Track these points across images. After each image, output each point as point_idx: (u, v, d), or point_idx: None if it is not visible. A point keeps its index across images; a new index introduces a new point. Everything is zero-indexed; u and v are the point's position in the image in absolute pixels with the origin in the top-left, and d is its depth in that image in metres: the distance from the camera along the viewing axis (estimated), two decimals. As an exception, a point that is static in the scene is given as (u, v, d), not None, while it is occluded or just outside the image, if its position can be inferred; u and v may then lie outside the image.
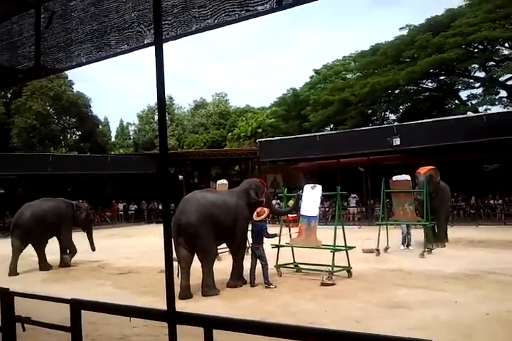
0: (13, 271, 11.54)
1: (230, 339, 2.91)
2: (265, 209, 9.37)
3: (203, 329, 2.42)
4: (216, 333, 2.42)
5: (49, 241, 12.54)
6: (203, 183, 32.71)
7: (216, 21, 2.70)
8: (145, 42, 3.10)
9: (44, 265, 12.28)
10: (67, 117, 38.04)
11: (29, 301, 3.68)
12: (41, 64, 3.79)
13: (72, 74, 37.73)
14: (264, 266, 9.04)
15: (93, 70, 70.18)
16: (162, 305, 2.57)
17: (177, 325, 2.51)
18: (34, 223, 11.90)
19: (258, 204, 9.38)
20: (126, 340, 5.79)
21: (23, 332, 3.89)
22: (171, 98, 46.74)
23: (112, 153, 40.21)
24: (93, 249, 13.06)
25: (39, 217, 12.04)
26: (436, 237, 13.76)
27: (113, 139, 48.22)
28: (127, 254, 13.59)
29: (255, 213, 9.22)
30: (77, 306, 3.15)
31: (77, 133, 39.64)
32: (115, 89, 73.18)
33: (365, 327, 5.89)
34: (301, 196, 10.33)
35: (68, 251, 12.67)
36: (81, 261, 12.94)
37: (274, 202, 18.32)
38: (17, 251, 11.86)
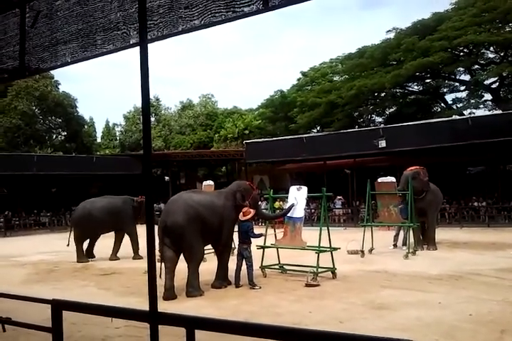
0: (81, 258, 13.04)
1: (214, 339, 2.91)
2: (251, 209, 9.35)
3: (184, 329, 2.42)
4: (203, 334, 2.42)
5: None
6: (189, 184, 32.53)
7: (202, 22, 2.71)
8: (130, 43, 3.09)
9: (81, 257, 13.20)
10: (53, 117, 37.73)
11: (9, 302, 3.64)
12: (26, 63, 3.77)
13: (58, 74, 37.50)
14: (250, 266, 9.03)
15: (79, 70, 69.68)
16: (146, 305, 2.57)
17: (161, 326, 2.50)
18: (84, 219, 13.24)
19: (244, 206, 9.36)
20: (108, 341, 5.75)
21: (4, 332, 3.87)
22: (157, 99, 46.40)
23: (98, 153, 39.92)
24: None
25: (89, 213, 13.32)
26: (424, 240, 13.75)
27: (99, 140, 47.84)
28: (112, 255, 13.48)
29: (241, 213, 9.20)
30: (58, 306, 3.14)
31: (63, 134, 39.33)
32: (102, 90, 72.79)
33: (349, 327, 5.90)
34: (294, 205, 10.23)
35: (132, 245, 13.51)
36: (64, 261, 12.83)
37: (263, 205, 18.26)
38: (77, 243, 13.18)
